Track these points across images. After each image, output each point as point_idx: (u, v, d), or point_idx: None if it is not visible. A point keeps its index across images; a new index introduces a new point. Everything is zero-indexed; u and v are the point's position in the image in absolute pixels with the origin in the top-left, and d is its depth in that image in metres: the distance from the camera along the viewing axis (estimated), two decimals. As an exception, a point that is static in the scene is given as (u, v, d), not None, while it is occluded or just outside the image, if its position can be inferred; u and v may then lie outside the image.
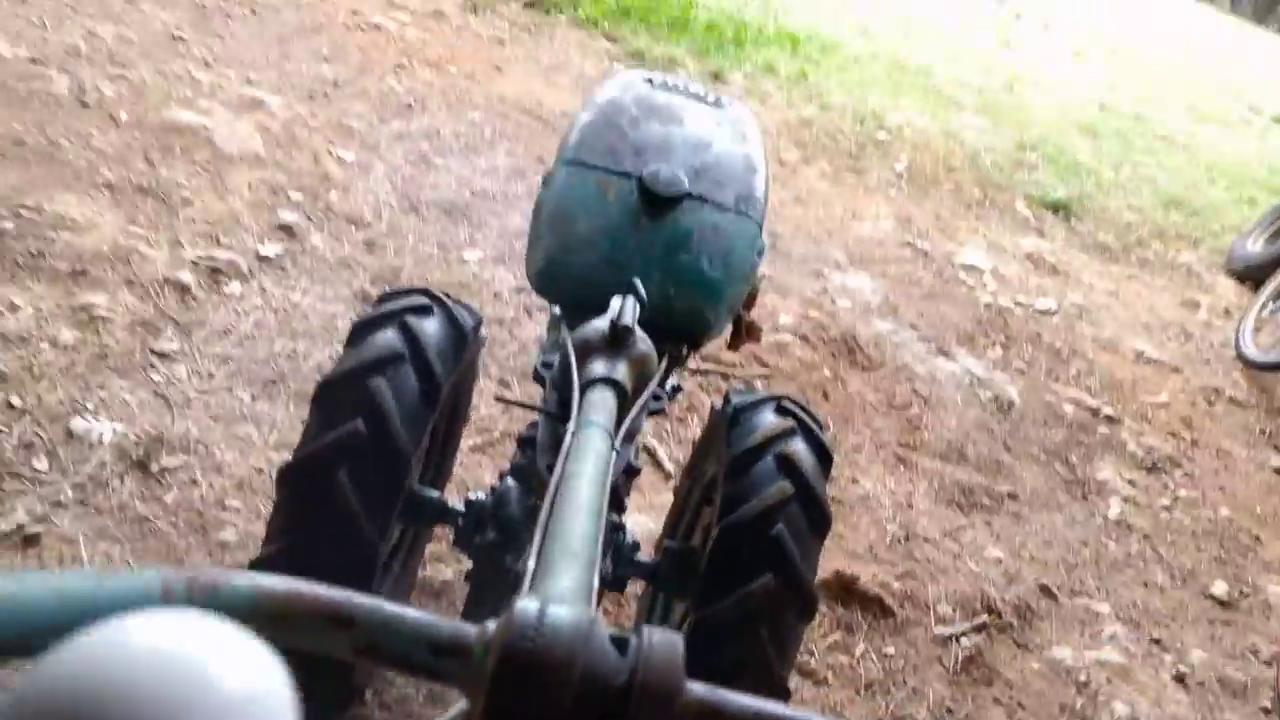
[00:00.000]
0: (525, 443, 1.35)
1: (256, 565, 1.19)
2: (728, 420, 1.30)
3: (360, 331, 1.24)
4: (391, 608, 0.43)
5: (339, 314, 2.43)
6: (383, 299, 1.32)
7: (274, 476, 1.21)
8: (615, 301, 1.27)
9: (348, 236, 2.75)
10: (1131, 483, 2.89)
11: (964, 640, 2.09)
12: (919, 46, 7.86)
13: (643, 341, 1.16)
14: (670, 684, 0.40)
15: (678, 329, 1.36)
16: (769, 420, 1.28)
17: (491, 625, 0.43)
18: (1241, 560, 2.73)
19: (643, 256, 1.36)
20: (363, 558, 1.16)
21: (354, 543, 1.15)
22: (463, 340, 1.30)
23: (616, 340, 1.14)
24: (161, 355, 2.09)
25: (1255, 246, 5.08)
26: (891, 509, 2.46)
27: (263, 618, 0.40)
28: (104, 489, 1.75)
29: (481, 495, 1.38)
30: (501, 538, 1.34)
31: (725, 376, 2.73)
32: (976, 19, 10.62)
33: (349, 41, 3.87)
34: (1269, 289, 4.28)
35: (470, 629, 0.43)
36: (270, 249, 2.54)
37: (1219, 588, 2.57)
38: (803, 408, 1.33)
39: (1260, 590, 2.64)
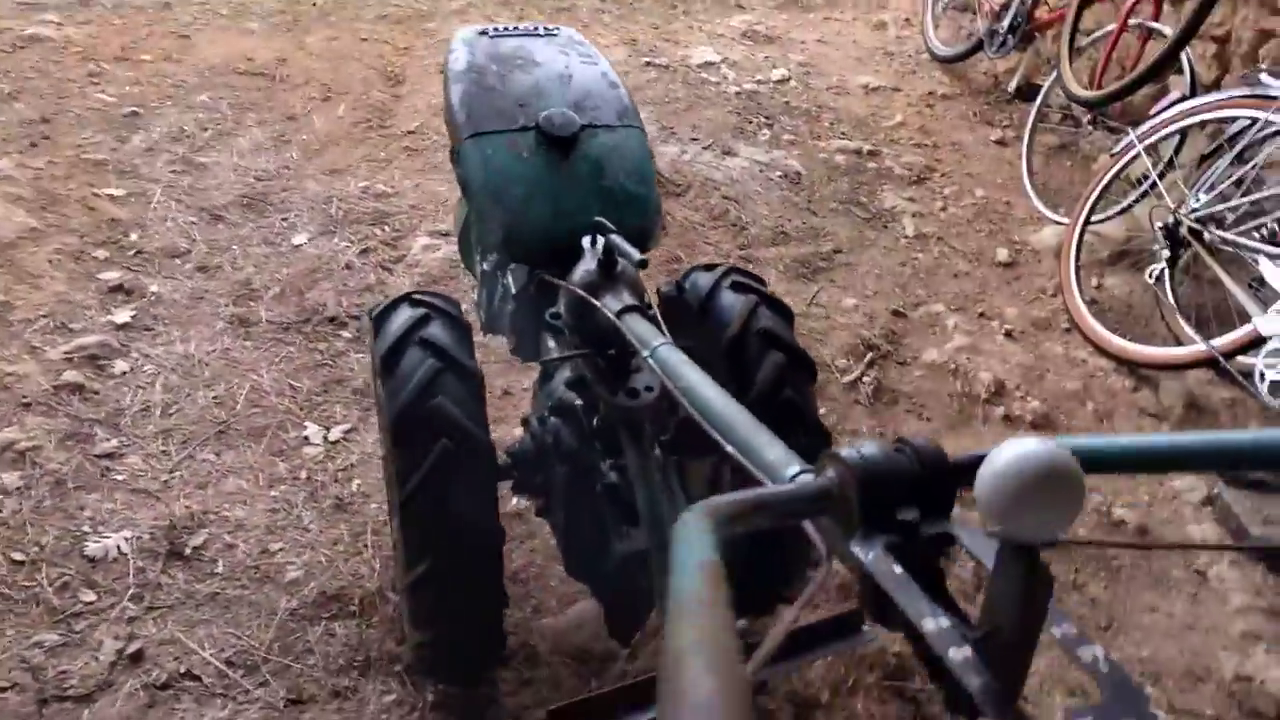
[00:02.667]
0: (573, 384, 1.51)
1: (409, 589, 1.37)
2: (700, 301, 1.50)
3: (390, 360, 1.36)
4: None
5: (230, 346, 2.47)
6: (378, 321, 1.46)
7: (393, 510, 1.38)
8: (586, 241, 1.48)
9: (179, 270, 2.72)
10: (910, 200, 3.48)
11: (865, 378, 2.60)
12: None
13: (629, 267, 1.40)
14: (939, 458, 0.60)
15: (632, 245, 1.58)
16: (737, 302, 1.47)
17: (830, 473, 0.59)
18: (1006, 225, 3.42)
19: (576, 194, 1.56)
20: (494, 543, 1.36)
21: (484, 532, 1.35)
22: (465, 329, 1.44)
23: (612, 274, 1.37)
24: (109, 456, 2.11)
25: (903, -47, 5.71)
26: (759, 302, 2.89)
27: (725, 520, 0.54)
28: (159, 589, 1.85)
29: (523, 445, 1.53)
30: (571, 468, 1.49)
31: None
32: None
33: (21, 64, 3.52)
34: (931, -12, 4.92)
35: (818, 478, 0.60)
36: (121, 314, 2.50)
37: (1002, 254, 3.23)
38: (753, 277, 1.54)
39: (1025, 243, 3.33)
